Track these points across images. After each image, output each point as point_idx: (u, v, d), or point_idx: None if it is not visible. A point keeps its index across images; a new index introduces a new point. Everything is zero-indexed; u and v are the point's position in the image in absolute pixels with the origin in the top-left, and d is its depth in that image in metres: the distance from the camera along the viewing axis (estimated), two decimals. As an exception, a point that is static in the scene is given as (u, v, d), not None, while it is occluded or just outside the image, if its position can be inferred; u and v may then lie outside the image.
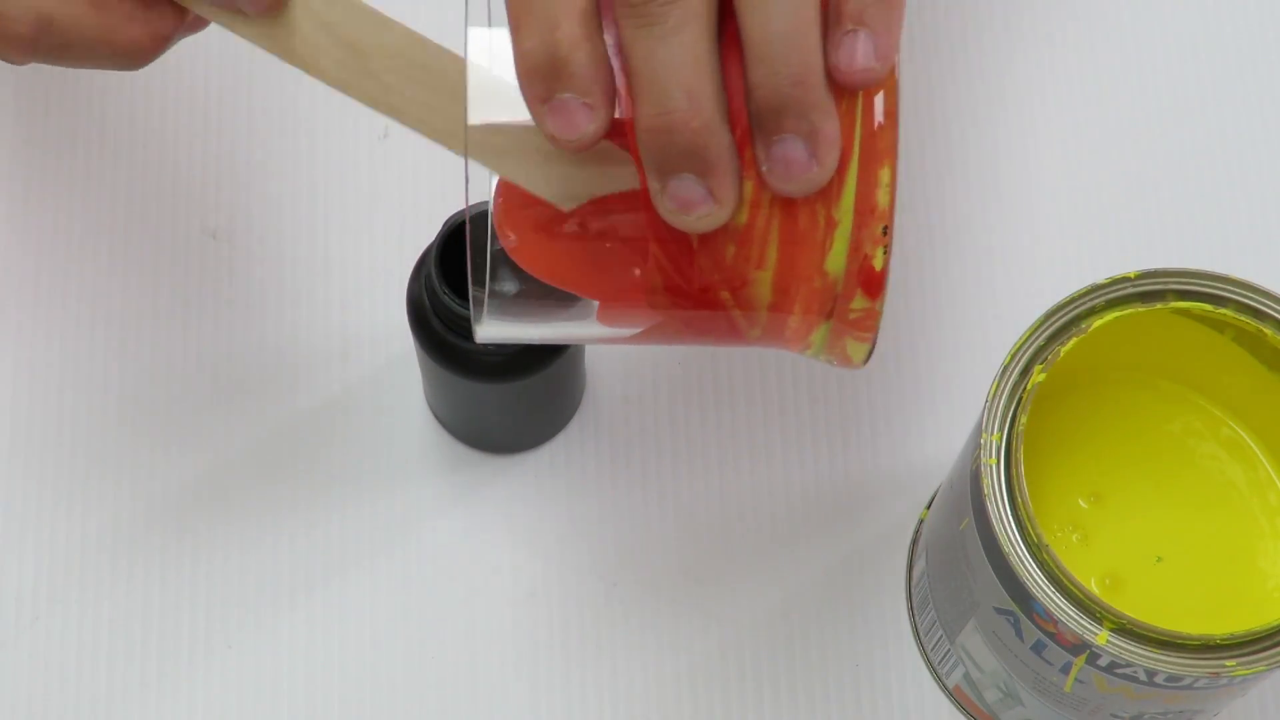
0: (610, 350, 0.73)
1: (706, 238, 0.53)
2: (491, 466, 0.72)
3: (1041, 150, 0.76)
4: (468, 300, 0.63)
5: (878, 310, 0.54)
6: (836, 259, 0.53)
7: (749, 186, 0.52)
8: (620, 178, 0.53)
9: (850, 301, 0.53)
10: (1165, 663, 0.57)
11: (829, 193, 0.52)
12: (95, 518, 0.71)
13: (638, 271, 0.54)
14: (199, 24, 0.57)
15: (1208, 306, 0.60)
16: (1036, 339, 0.60)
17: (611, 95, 0.51)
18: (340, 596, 0.71)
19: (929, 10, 0.78)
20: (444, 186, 0.74)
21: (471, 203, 0.54)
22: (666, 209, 0.52)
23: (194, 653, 0.70)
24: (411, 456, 0.72)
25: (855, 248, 0.52)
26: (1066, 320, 0.60)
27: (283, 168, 0.75)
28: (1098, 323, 0.60)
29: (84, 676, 0.70)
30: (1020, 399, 0.60)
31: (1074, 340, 0.60)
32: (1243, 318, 0.60)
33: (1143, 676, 0.58)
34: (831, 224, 0.52)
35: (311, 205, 0.75)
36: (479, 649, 0.70)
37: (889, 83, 0.52)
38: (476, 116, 0.53)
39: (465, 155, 0.53)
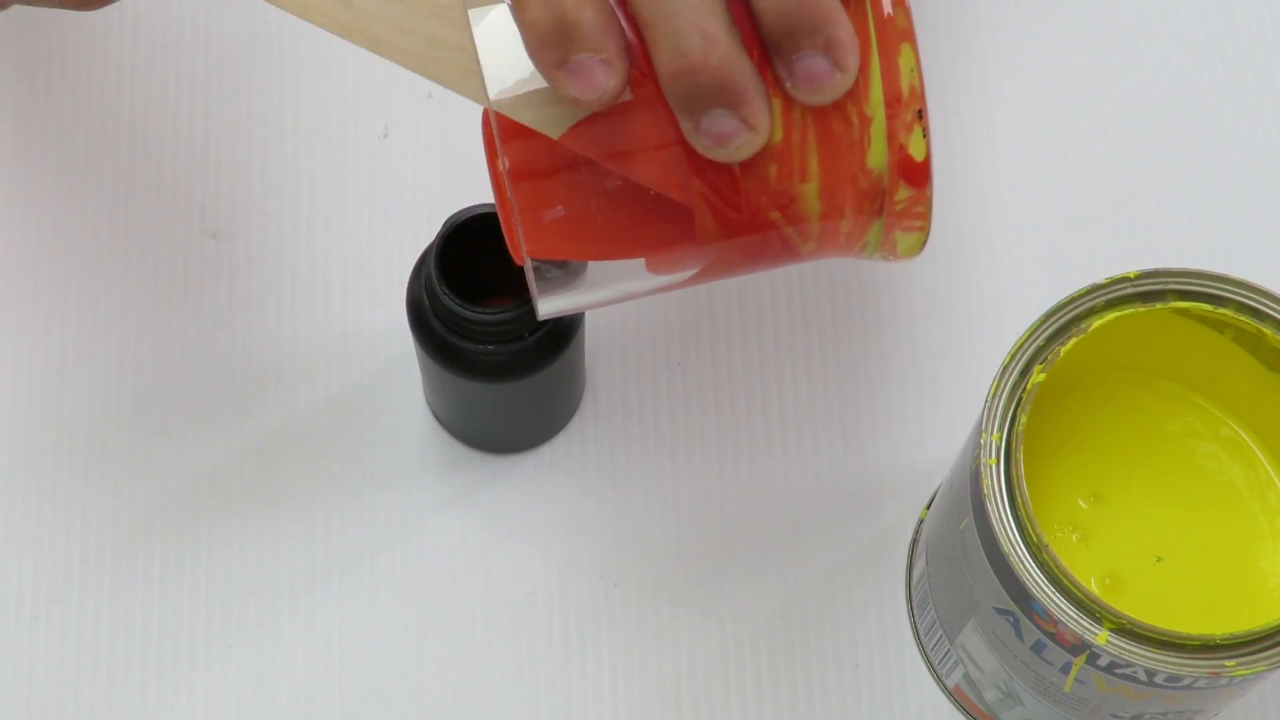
0: (610, 350, 0.73)
1: (748, 163, 0.53)
2: (491, 466, 0.72)
3: (1042, 149, 0.76)
4: (466, 300, 0.63)
5: (928, 196, 0.54)
6: (877, 155, 0.53)
7: (776, 104, 0.53)
8: None
9: (897, 194, 0.54)
10: (1165, 663, 0.57)
11: (856, 91, 0.53)
12: (95, 517, 0.71)
13: (684, 214, 0.54)
14: None
15: (1208, 306, 0.60)
16: (1036, 339, 0.60)
17: (625, 48, 0.52)
18: (340, 596, 0.71)
19: (931, 9, 0.78)
20: (444, 186, 0.74)
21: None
22: (703, 145, 0.52)
23: (194, 653, 0.70)
24: (411, 456, 0.72)
25: (893, 139, 0.53)
26: (1066, 320, 0.60)
27: (283, 168, 0.75)
28: (1098, 323, 0.60)
29: (84, 676, 0.70)
30: (1020, 399, 0.59)
31: (1074, 340, 0.60)
32: (1243, 318, 0.60)
33: (1143, 676, 0.58)
34: (865, 121, 0.53)
35: (312, 205, 0.75)
36: (479, 649, 0.70)
37: None
38: (431, 30, 0.52)
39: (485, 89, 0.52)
